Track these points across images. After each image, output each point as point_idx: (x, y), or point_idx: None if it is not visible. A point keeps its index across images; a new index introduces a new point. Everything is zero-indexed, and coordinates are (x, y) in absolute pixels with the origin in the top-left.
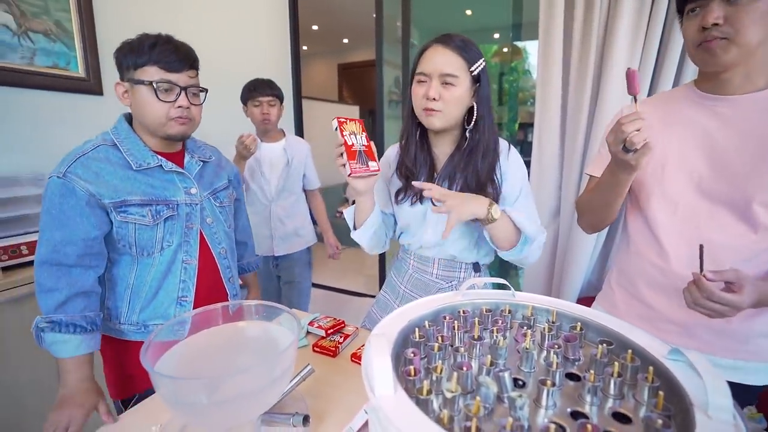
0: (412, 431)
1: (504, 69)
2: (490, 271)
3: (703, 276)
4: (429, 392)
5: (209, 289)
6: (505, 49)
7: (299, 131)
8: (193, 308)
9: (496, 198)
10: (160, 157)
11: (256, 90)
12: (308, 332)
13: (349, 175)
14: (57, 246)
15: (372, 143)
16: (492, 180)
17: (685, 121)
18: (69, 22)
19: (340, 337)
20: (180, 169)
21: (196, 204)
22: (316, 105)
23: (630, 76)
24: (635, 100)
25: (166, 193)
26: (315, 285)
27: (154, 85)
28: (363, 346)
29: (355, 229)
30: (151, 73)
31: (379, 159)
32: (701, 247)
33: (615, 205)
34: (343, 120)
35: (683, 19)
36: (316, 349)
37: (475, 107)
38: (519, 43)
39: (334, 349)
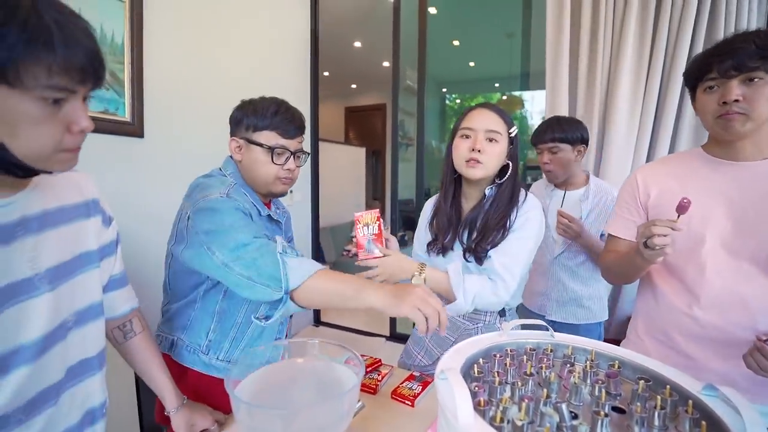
0: None
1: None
2: (518, 314)
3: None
4: (501, 420)
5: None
6: (504, 97)
7: (315, 173)
8: None
9: (501, 239)
10: (266, 208)
11: (538, 135)
12: None
13: (358, 262)
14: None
15: (384, 231)
16: (503, 227)
17: (704, 184)
18: (122, 73)
19: (378, 375)
20: (280, 220)
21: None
22: (327, 146)
23: (685, 206)
24: (678, 217)
25: None
26: (324, 324)
27: (271, 150)
28: (403, 383)
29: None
30: (269, 137)
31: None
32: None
33: (638, 275)
34: (360, 215)
35: (697, 93)
36: None
37: (510, 165)
38: (519, 92)
39: (374, 386)
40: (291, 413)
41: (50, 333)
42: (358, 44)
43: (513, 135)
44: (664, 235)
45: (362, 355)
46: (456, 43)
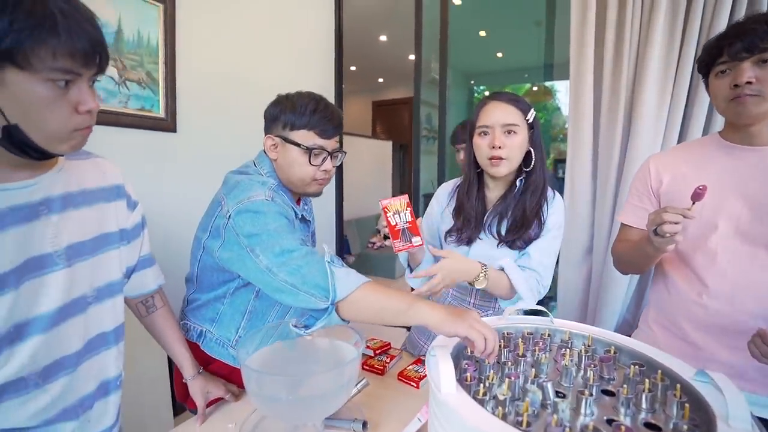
0: (474, 419)
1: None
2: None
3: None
4: (484, 394)
5: None
6: (535, 88)
7: (339, 166)
8: None
9: (537, 234)
10: (299, 207)
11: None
12: None
13: (395, 252)
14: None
15: (417, 219)
16: (538, 217)
17: (719, 169)
18: (156, 72)
19: (387, 357)
20: (309, 218)
21: None
22: (352, 140)
23: (700, 193)
24: (692, 204)
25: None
26: None
27: (309, 150)
28: (410, 365)
29: (411, 271)
30: (307, 137)
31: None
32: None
33: (649, 264)
34: (387, 201)
35: (709, 80)
36: (365, 367)
37: (532, 152)
38: (548, 83)
39: (382, 368)
40: (295, 380)
41: (65, 306)
42: (383, 38)
43: (531, 120)
44: (676, 223)
45: (372, 338)
46: (483, 33)
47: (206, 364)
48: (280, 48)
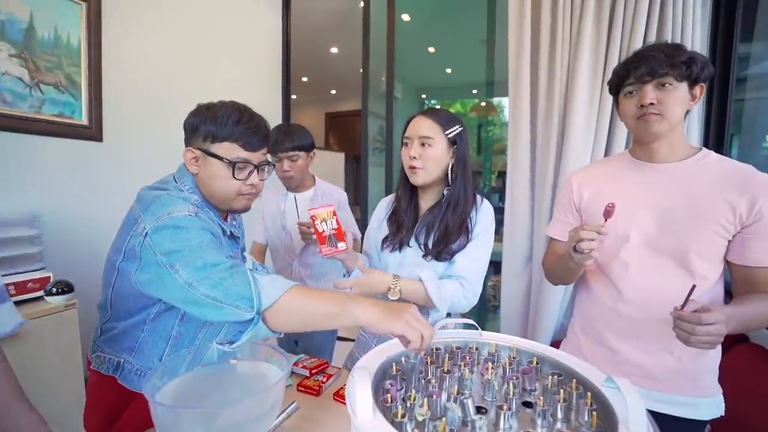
0: None
1: (482, 122)
2: (468, 314)
3: (680, 311)
4: (403, 416)
5: None
6: (483, 104)
7: None
8: None
9: (462, 246)
10: (227, 224)
11: (275, 144)
12: (293, 372)
13: (323, 256)
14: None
15: (342, 227)
16: (465, 229)
17: (630, 185)
18: (78, 76)
19: (324, 377)
20: (238, 234)
21: None
22: None
23: (610, 210)
24: (605, 221)
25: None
26: None
27: (232, 164)
28: (346, 384)
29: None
30: (230, 150)
31: (366, 203)
32: (693, 286)
33: (573, 277)
34: (315, 211)
35: (619, 99)
36: (300, 388)
37: (449, 166)
38: (495, 99)
39: (317, 388)
40: (211, 413)
41: None
42: (335, 50)
43: (451, 136)
44: (591, 239)
45: (310, 358)
46: (431, 49)
47: (129, 398)
48: (221, 54)
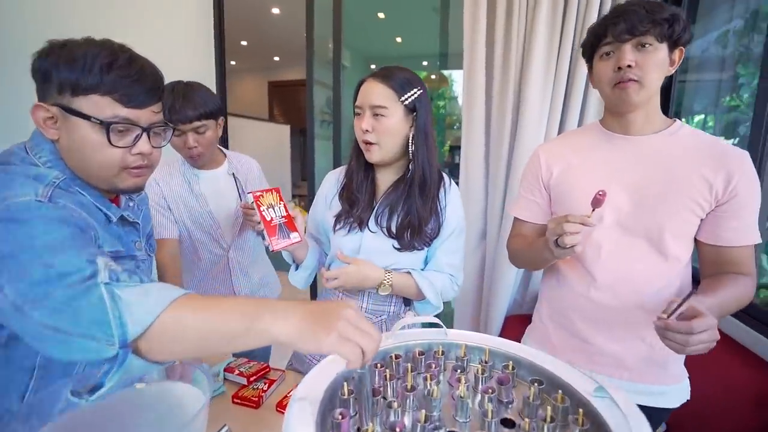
0: None
1: (432, 95)
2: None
3: (667, 320)
4: None
5: None
6: (433, 76)
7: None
8: None
9: (436, 232)
10: (116, 207)
11: (172, 112)
12: (226, 379)
13: (272, 251)
14: None
15: (292, 213)
16: (436, 214)
17: (603, 159)
18: None
19: (264, 384)
20: (137, 219)
21: (144, 260)
22: (245, 123)
23: (600, 199)
24: (593, 211)
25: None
26: None
27: (106, 126)
28: (290, 392)
29: (296, 268)
30: (102, 106)
31: (315, 177)
32: (690, 293)
33: (545, 266)
34: (259, 194)
35: (594, 63)
36: (236, 400)
37: (409, 137)
38: (446, 72)
39: (257, 399)
40: None
41: None
42: (276, 11)
43: (407, 102)
44: (576, 233)
45: (248, 361)
46: (381, 15)
47: None
48: (136, 7)
